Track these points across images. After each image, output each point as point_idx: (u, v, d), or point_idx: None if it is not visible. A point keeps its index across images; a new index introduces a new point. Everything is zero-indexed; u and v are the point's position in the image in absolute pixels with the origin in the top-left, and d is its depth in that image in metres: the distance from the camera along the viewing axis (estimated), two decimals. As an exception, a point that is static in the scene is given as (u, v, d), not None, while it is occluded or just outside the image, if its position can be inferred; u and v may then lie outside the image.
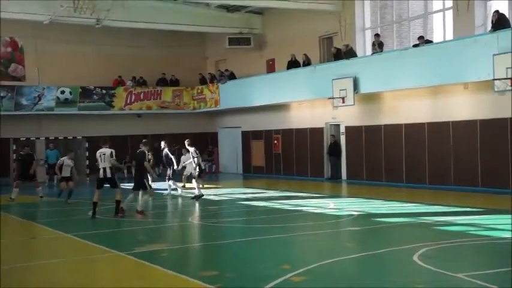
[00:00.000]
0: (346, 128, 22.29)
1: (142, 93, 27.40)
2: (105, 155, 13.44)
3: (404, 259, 8.42)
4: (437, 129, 18.56)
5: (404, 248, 9.12)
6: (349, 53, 20.57)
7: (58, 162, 17.99)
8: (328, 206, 15.09)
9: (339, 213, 13.72)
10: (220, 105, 26.89)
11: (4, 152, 24.67)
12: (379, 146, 20.66)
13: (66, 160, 17.31)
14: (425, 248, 8.87)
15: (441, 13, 19.61)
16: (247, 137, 27.65)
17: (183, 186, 18.99)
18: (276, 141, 25.85)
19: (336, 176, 22.67)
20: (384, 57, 19.14)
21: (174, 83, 28.78)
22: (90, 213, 13.49)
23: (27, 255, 9.89)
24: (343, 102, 19.96)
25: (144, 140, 14.80)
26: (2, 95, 24.14)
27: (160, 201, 17.00)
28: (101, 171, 13.25)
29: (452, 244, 9.36)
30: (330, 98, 20.50)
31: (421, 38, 18.30)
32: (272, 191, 19.32)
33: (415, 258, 8.23)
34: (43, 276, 8.18)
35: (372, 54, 20.07)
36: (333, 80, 20.11)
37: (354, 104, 19.81)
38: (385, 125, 20.45)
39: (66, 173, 17.22)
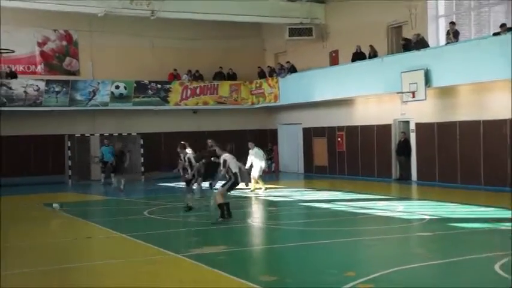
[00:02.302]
0: (417, 124, 21.86)
1: (198, 88, 27.82)
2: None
3: (483, 269, 8.21)
4: (520, 127, 17.91)
5: (482, 256, 8.89)
6: (420, 43, 20.14)
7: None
8: (397, 209, 14.88)
9: (408, 217, 13.51)
10: (280, 101, 26.95)
11: (59, 149, 25.64)
12: (454, 144, 20.15)
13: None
14: (507, 257, 8.56)
15: (525, -2, 18.90)
16: (309, 134, 27.58)
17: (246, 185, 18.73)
18: (339, 139, 25.66)
19: (405, 177, 22.28)
20: (460, 47, 18.63)
21: (232, 77, 29.05)
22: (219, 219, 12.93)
23: (83, 255, 10.27)
24: (414, 96, 19.58)
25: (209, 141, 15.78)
26: (57, 90, 25.10)
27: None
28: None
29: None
30: (398, 93, 20.16)
31: (503, 25, 17.68)
32: (336, 192, 19.22)
33: (497, 268, 7.98)
34: (97, 277, 8.49)
35: (446, 44, 19.58)
36: (402, 72, 19.76)
37: (425, 99, 19.40)
38: (461, 122, 19.91)
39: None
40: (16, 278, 8.48)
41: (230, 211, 12.96)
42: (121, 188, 20.51)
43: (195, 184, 16.11)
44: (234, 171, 12.98)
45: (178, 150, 15.70)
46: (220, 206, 12.85)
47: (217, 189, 19.45)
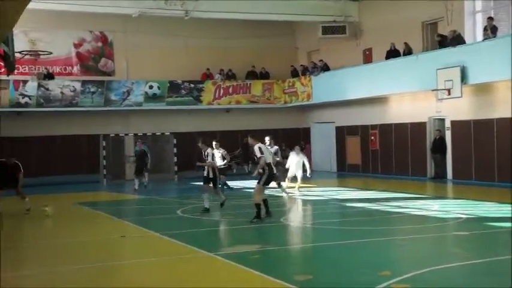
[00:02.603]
0: (452, 122, 21.50)
1: (231, 87, 27.90)
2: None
3: (521, 269, 8.00)
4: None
5: (520, 256, 8.66)
6: (457, 40, 19.80)
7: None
8: (432, 208, 14.65)
9: (444, 216, 13.29)
10: (312, 99, 26.83)
11: (94, 149, 26.02)
12: (491, 142, 19.74)
13: (215, 150, 16.61)
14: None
15: None
16: (342, 133, 27.39)
17: (278, 185, 18.35)
18: (373, 137, 25.42)
19: (440, 175, 21.95)
20: (498, 42, 18.23)
21: (264, 76, 29.04)
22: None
23: (117, 254, 10.39)
24: (449, 94, 19.26)
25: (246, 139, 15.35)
26: (92, 90, 25.49)
27: (252, 201, 17.21)
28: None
29: None
30: (433, 90, 19.87)
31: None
32: (369, 191, 19.04)
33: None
34: (132, 275, 8.57)
35: (483, 40, 19.20)
36: (437, 70, 19.46)
37: (461, 96, 19.06)
38: (498, 119, 19.50)
39: (220, 163, 17.07)
40: (45, 277, 8.62)
41: (269, 209, 12.76)
42: (135, 188, 20.49)
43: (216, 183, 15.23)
44: (267, 161, 12.54)
45: (200, 145, 14.82)
46: (257, 205, 12.45)
47: (229, 187, 19.52)
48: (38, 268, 9.16)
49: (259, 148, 12.42)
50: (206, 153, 14.54)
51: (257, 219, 12.33)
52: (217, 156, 16.82)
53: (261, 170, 12.60)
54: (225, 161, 17.81)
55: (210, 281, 8.11)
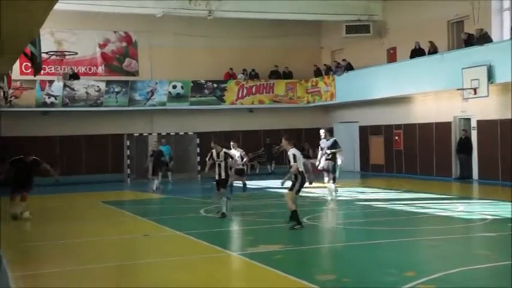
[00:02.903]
0: (478, 122, 21.20)
1: (254, 87, 27.90)
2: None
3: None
4: None
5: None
6: (483, 38, 19.52)
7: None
8: (457, 208, 14.46)
9: (469, 217, 13.10)
10: (336, 99, 26.70)
11: (118, 148, 26.24)
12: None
13: (232, 151, 16.58)
14: None
15: None
16: (365, 133, 27.20)
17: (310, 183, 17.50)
18: (397, 137, 25.19)
19: (465, 176, 21.65)
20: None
21: (287, 75, 28.98)
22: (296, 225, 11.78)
23: (141, 253, 10.44)
24: (475, 93, 18.99)
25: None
26: (116, 90, 25.71)
27: (274, 201, 17.20)
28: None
29: None
30: (459, 89, 19.62)
31: None
32: (394, 191, 18.87)
33: None
34: (155, 275, 8.60)
35: (511, 38, 18.89)
36: (463, 69, 19.21)
37: (488, 96, 18.79)
38: (525, 119, 19.18)
39: (238, 164, 16.86)
40: (70, 275, 8.70)
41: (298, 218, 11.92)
42: (154, 189, 20.00)
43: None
44: (300, 169, 11.87)
45: (212, 145, 13.99)
46: (293, 212, 11.71)
47: (244, 189, 17.91)
48: (63, 266, 9.25)
49: (294, 155, 11.80)
50: (218, 154, 13.74)
51: (299, 226, 11.61)
52: (236, 156, 16.68)
53: (293, 178, 11.95)
54: (244, 161, 17.54)
55: (233, 280, 8.11)
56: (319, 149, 16.55)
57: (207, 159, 14.37)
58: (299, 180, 11.82)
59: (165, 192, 20.51)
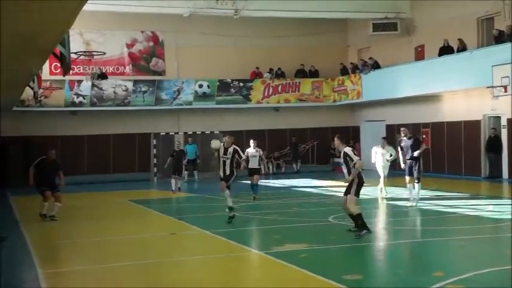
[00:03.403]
0: (509, 120, 20.85)
1: (280, 86, 27.86)
2: None
3: None
4: None
5: None
6: (513, 35, 19.19)
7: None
8: (487, 208, 14.24)
9: (499, 217, 12.89)
10: (362, 97, 26.52)
11: (145, 147, 26.46)
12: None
13: (250, 150, 16.44)
14: None
15: None
16: (393, 131, 26.93)
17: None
18: (424, 136, 24.90)
19: (495, 175, 21.31)
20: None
21: (314, 74, 28.87)
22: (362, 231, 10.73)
23: (167, 251, 10.52)
24: (506, 91, 18.68)
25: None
26: (143, 89, 25.93)
27: (299, 200, 17.16)
28: None
29: None
30: (489, 87, 19.31)
31: None
32: (422, 190, 18.65)
33: None
34: (181, 273, 8.66)
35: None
36: (493, 66, 18.90)
37: (519, 94, 18.47)
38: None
39: (254, 164, 16.50)
40: (96, 272, 8.80)
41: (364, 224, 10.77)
42: (173, 189, 19.24)
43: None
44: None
45: (227, 139, 13.00)
46: (358, 216, 10.68)
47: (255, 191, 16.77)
48: (91, 264, 9.37)
49: (353, 151, 10.90)
50: (227, 150, 12.71)
51: (366, 231, 10.57)
52: (251, 155, 16.32)
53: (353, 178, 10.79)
54: (262, 161, 17.09)
55: (257, 279, 8.11)
56: (399, 149, 15.51)
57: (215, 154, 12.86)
58: (356, 181, 10.78)
59: (192, 191, 20.61)
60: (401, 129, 15.50)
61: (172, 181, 19.52)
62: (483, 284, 7.40)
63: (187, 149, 23.78)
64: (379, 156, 16.99)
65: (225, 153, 12.76)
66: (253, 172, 16.79)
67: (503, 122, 21.20)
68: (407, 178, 15.08)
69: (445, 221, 12.76)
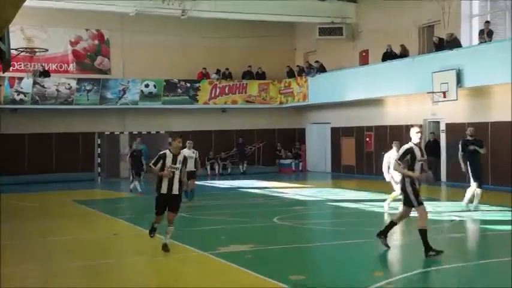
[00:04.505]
0: (447, 125, 21.58)
1: (227, 87, 27.90)
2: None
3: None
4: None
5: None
6: (453, 43, 19.88)
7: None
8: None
9: (437, 218, 13.31)
10: (308, 100, 26.87)
11: (89, 147, 26.00)
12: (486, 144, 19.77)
13: (186, 151, 13.82)
14: None
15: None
16: (337, 134, 27.44)
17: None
18: (368, 139, 25.48)
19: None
20: (494, 47, 18.30)
21: (261, 76, 29.07)
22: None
23: (110, 252, 10.39)
24: (445, 97, 19.33)
25: None
26: (88, 88, 25.45)
27: (246, 201, 17.23)
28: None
29: None
30: (429, 93, 19.92)
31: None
32: (364, 192, 19.07)
33: None
34: (124, 274, 8.57)
35: (479, 43, 19.28)
36: (433, 72, 19.53)
37: (456, 99, 19.13)
38: (493, 123, 19.57)
39: (190, 166, 13.63)
40: (39, 274, 8.63)
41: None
42: (140, 190, 18.62)
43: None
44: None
45: (175, 143, 10.15)
46: (424, 232, 8.94)
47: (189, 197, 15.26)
48: (27, 265, 9.15)
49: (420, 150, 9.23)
50: (175, 158, 9.93)
51: (436, 254, 8.82)
52: (188, 157, 11.80)
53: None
54: (197, 164, 15.62)
55: (201, 280, 8.12)
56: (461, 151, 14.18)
57: (151, 164, 10.19)
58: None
59: (139, 191, 20.37)
60: (469, 128, 14.36)
61: (136, 182, 18.89)
62: (420, 282, 7.63)
63: (135, 150, 23.46)
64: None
65: (174, 161, 9.82)
66: (189, 175, 15.41)
67: (442, 126, 21.90)
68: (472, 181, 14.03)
69: (384, 222, 13.06)
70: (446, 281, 7.90)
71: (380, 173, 24.13)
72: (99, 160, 25.59)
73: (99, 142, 25.68)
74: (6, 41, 10.57)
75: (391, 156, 13.59)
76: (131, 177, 19.53)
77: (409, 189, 8.97)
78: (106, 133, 26.05)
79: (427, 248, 8.76)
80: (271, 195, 18.18)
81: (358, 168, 26.02)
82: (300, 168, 28.78)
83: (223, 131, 28.20)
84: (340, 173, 26.93)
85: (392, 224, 9.55)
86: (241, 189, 20.88)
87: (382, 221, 13.19)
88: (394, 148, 13.80)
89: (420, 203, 8.93)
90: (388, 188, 14.73)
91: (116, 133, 26.48)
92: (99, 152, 25.62)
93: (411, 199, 8.97)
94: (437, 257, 8.69)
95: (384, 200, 14.46)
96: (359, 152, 25.96)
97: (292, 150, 29.20)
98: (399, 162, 9.10)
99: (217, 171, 27.34)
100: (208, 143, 27.26)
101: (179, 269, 8.83)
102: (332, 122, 27.67)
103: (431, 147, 22.03)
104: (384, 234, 9.55)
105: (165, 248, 9.60)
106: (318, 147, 28.73)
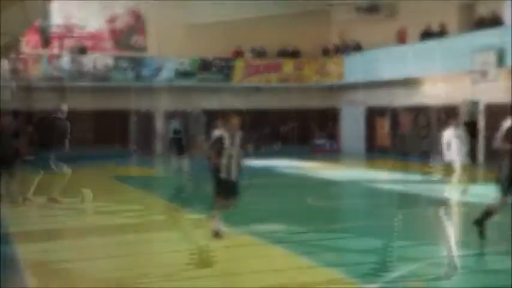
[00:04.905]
0: (486, 105, 21.12)
1: (261, 66, 27.79)
2: None
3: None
4: None
5: None
6: (495, 21, 19.35)
7: None
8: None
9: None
10: (344, 79, 26.60)
11: (125, 124, 26.28)
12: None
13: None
14: None
15: None
16: (372, 114, 27.13)
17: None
18: (403, 120, 25.12)
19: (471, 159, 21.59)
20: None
21: (296, 54, 28.84)
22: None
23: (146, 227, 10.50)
24: (485, 77, 18.89)
25: None
26: (124, 66, 25.69)
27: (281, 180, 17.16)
28: None
29: None
30: (469, 72, 19.50)
31: None
32: (399, 173, 18.88)
33: None
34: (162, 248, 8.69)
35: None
36: (473, 51, 19.08)
37: (497, 80, 18.69)
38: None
39: None
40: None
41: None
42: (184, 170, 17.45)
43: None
44: None
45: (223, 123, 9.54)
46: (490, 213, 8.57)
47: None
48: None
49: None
50: (233, 137, 9.18)
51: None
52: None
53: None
54: None
55: (239, 258, 8.17)
56: None
57: (208, 148, 9.04)
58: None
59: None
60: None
61: (182, 161, 17.24)
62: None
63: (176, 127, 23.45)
64: (454, 142, 11.78)
65: (232, 142, 8.84)
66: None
67: (481, 106, 21.45)
68: None
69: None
70: None
71: (414, 154, 24.03)
72: (134, 137, 25.85)
73: (135, 119, 25.96)
74: (46, 18, 10.71)
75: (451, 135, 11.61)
76: (173, 157, 18.87)
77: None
78: (141, 111, 26.28)
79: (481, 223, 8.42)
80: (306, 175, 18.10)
81: (393, 149, 25.72)
82: (334, 148, 28.59)
83: (258, 110, 28.14)
84: (375, 153, 26.68)
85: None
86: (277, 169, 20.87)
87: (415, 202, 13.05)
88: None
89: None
90: (419, 170, 14.50)
91: (151, 111, 26.69)
92: (134, 129, 25.88)
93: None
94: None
95: (417, 182, 14.28)
96: (394, 133, 25.64)
97: (327, 130, 29.02)
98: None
99: (250, 151, 27.30)
100: (242, 122, 27.19)
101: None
102: (368, 101, 27.37)
103: (469, 128, 21.65)
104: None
105: (217, 235, 8.71)
106: (352, 127, 28.47)
